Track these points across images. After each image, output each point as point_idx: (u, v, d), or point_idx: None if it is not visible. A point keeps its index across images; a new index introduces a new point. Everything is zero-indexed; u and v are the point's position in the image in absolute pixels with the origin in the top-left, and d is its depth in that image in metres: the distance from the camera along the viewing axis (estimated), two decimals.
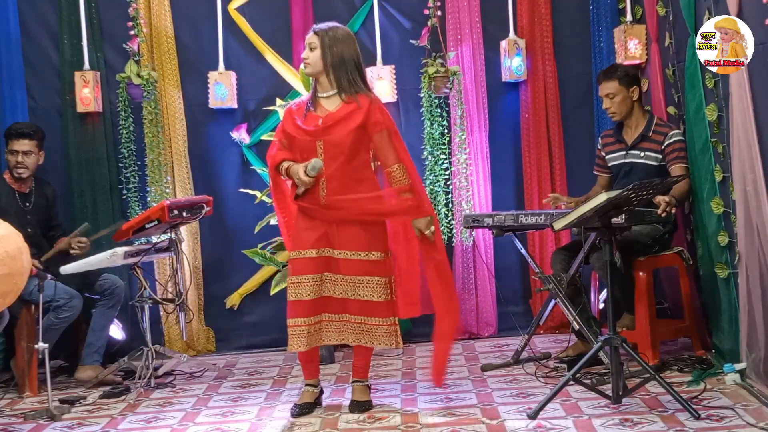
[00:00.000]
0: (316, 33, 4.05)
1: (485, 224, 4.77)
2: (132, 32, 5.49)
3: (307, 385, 4.21)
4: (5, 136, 5.01)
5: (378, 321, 4.03)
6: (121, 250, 4.74)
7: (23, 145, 4.98)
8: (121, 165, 5.57)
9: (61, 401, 4.54)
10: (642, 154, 4.74)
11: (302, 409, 4.10)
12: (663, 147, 4.67)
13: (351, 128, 3.95)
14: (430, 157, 5.52)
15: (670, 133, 4.66)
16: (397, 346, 4.10)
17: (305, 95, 4.30)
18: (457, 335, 4.18)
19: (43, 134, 5.09)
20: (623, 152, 4.81)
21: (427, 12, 5.46)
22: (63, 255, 5.04)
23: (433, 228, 4.01)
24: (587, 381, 4.08)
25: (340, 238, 4.00)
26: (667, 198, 4.29)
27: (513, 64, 5.49)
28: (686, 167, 4.57)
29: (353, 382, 4.20)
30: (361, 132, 3.97)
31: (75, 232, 5.07)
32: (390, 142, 4.01)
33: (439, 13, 5.47)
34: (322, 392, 4.27)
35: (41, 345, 4.36)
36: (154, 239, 5.20)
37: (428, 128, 5.52)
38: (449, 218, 5.54)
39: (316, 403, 4.19)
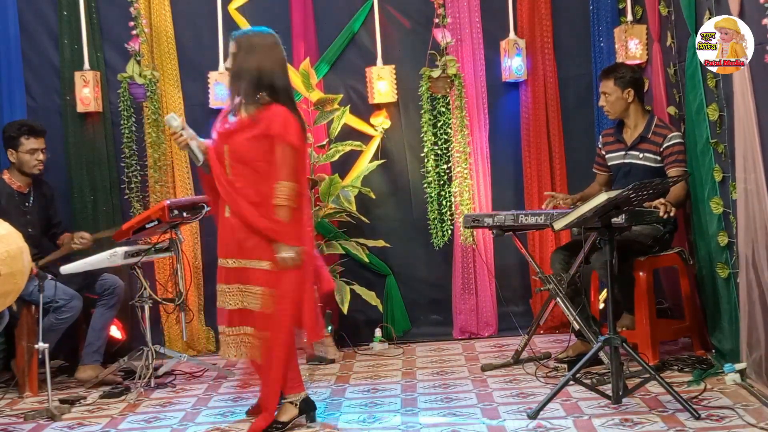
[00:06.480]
0: (233, 39, 3.90)
1: (485, 224, 4.77)
2: (134, 32, 5.49)
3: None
4: (14, 136, 4.97)
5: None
6: (121, 250, 4.75)
7: (42, 142, 5.02)
8: (123, 165, 5.57)
9: (61, 401, 4.54)
10: (641, 155, 4.74)
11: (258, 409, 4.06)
12: (661, 149, 4.67)
13: (248, 137, 3.82)
14: (430, 156, 5.52)
15: (669, 135, 4.66)
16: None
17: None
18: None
19: None
20: (623, 152, 4.82)
21: (439, 11, 5.44)
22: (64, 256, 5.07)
23: (285, 255, 3.75)
24: (587, 381, 4.09)
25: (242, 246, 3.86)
26: (663, 200, 4.30)
27: (513, 64, 5.49)
28: (684, 170, 4.58)
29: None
30: (259, 142, 3.81)
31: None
32: (283, 158, 3.78)
33: (440, 11, 5.46)
34: None
35: (41, 345, 4.36)
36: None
37: (428, 128, 5.52)
38: (450, 218, 5.54)
39: None
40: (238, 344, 3.87)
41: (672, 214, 4.30)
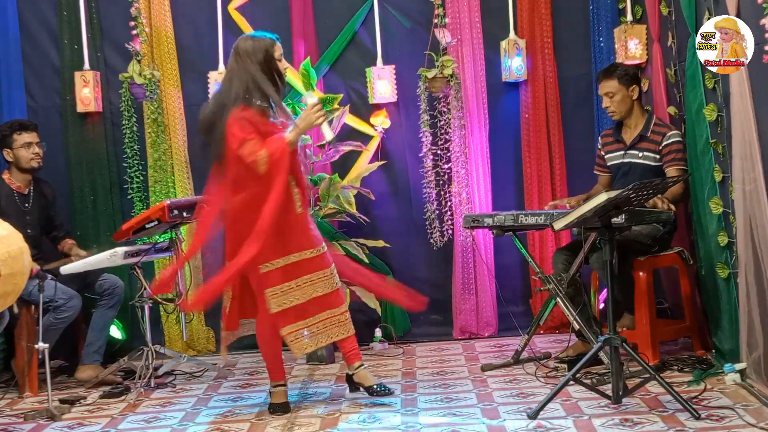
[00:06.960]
0: (279, 41, 4.20)
1: (485, 224, 4.77)
2: (134, 32, 5.48)
3: (278, 386, 4.24)
4: (6, 134, 4.98)
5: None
6: (121, 250, 4.75)
7: (35, 136, 5.03)
8: (125, 165, 5.56)
9: (61, 401, 4.54)
10: (640, 154, 4.74)
11: (285, 408, 4.19)
12: (660, 148, 4.67)
13: None
14: (430, 156, 5.52)
15: (668, 134, 4.67)
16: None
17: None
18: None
19: None
20: (622, 152, 4.82)
21: (437, 11, 5.43)
22: (64, 256, 5.08)
23: None
24: (587, 381, 4.09)
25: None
26: (660, 196, 4.30)
27: (513, 64, 5.49)
28: (683, 169, 4.58)
29: (359, 366, 4.23)
30: None
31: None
32: None
33: (439, 11, 5.46)
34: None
35: (41, 345, 4.37)
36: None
37: (427, 128, 5.51)
38: (450, 218, 5.54)
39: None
40: (325, 328, 4.16)
41: (672, 208, 4.31)
